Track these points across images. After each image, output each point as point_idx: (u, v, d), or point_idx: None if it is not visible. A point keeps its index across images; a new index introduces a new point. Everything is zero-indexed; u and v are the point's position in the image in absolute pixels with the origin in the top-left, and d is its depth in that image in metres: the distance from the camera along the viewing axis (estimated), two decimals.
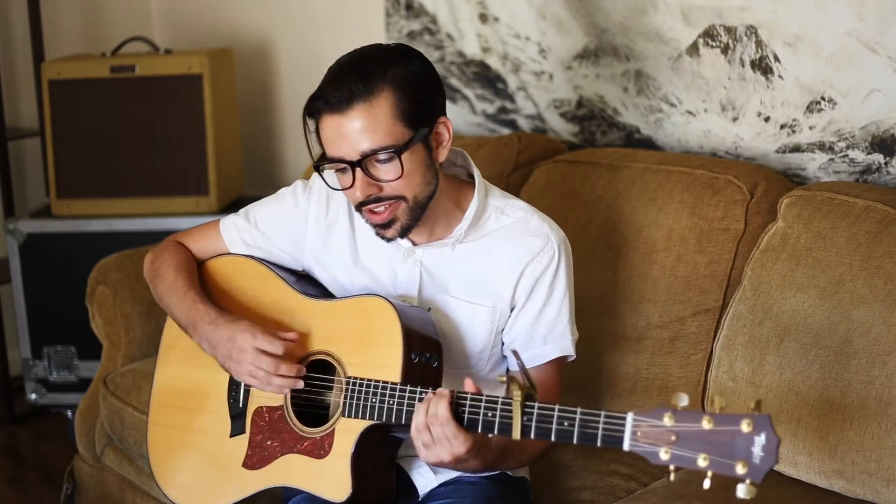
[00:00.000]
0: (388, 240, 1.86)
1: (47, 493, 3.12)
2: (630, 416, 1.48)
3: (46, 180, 3.59)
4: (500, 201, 1.94)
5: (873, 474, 1.88)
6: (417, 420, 1.65)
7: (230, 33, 3.76)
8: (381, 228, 1.84)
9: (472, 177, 1.94)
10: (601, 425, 1.51)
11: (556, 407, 1.55)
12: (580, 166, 2.51)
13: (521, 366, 1.63)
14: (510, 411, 1.58)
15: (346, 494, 1.77)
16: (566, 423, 1.54)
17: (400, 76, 1.75)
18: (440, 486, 1.93)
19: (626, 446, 1.48)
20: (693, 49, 2.51)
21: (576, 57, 2.77)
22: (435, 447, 1.64)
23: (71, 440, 2.96)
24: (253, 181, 3.72)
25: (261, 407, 1.91)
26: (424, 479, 1.93)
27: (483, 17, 2.97)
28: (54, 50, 3.67)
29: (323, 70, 1.82)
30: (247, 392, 1.94)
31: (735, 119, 2.48)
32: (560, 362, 1.93)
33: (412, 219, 1.83)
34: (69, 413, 3.37)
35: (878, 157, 2.25)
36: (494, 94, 3.00)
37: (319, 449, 1.82)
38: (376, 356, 1.79)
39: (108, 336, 2.78)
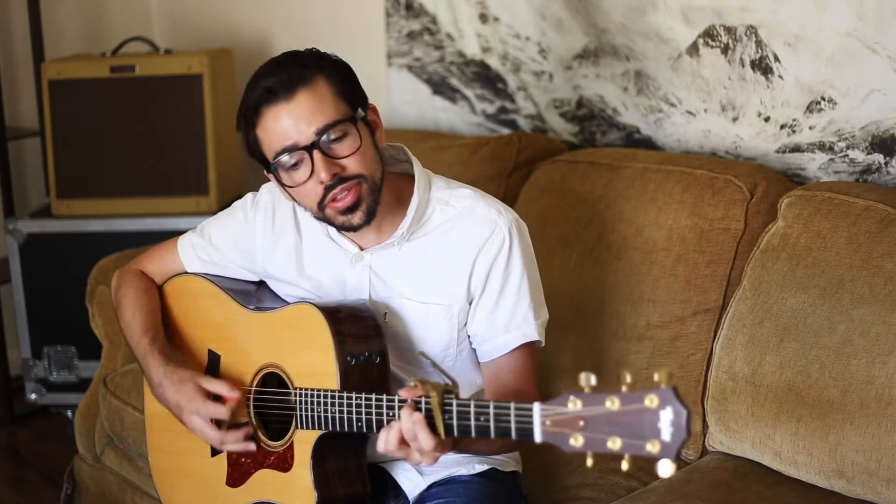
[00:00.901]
0: (356, 228, 1.80)
1: (47, 493, 3.12)
2: (537, 406, 1.42)
3: (46, 180, 3.59)
4: (443, 193, 1.89)
5: (873, 474, 1.88)
6: (389, 440, 1.60)
7: (230, 33, 3.76)
8: (348, 213, 1.77)
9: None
10: (512, 418, 1.47)
11: (472, 402, 1.52)
12: (580, 166, 2.51)
13: (433, 363, 1.61)
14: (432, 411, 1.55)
15: (313, 503, 1.78)
16: (482, 419, 1.50)
17: (328, 64, 1.79)
18: (431, 486, 1.91)
19: (537, 437, 1.43)
20: (693, 49, 2.51)
21: (576, 57, 2.77)
22: (416, 456, 1.60)
23: (71, 440, 2.96)
24: (253, 181, 3.70)
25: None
26: (412, 483, 1.92)
27: (483, 17, 2.97)
28: (54, 50, 3.67)
29: None
30: None
31: (735, 119, 2.48)
32: (530, 348, 1.88)
33: (374, 200, 1.79)
34: (69, 413, 3.37)
35: (878, 157, 2.25)
36: (494, 94, 3.00)
37: (284, 462, 1.83)
38: (314, 365, 1.78)
39: (108, 336, 2.78)
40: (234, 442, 1.85)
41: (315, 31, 3.53)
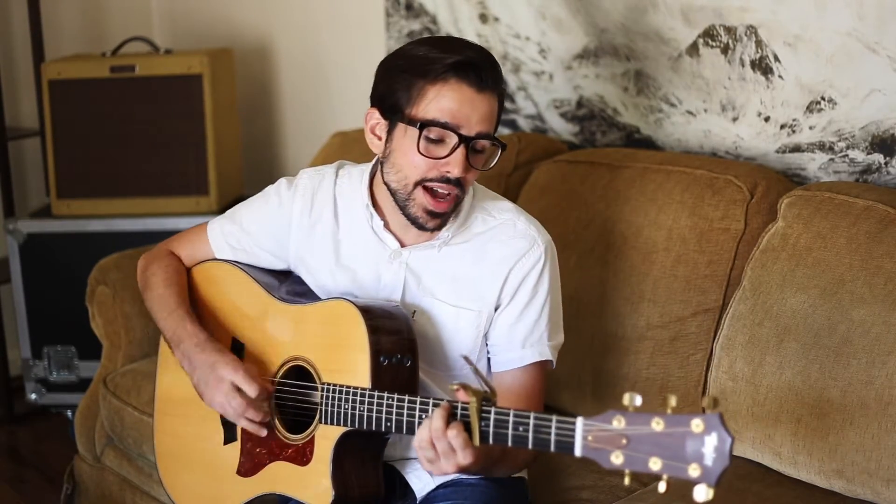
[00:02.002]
0: (428, 229, 1.84)
1: (47, 493, 3.12)
2: (580, 421, 1.43)
3: (46, 180, 3.59)
4: (487, 203, 1.94)
5: (873, 474, 1.88)
6: (421, 437, 1.61)
7: (230, 33, 3.76)
8: (431, 217, 1.82)
9: None
10: (553, 430, 1.47)
11: (511, 411, 1.52)
12: (580, 166, 2.51)
13: (475, 370, 1.61)
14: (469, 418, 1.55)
15: (328, 500, 1.77)
16: (521, 429, 1.51)
17: (503, 87, 1.84)
18: (438, 487, 1.92)
19: (577, 451, 1.43)
20: (693, 49, 2.51)
21: (576, 57, 2.77)
22: (440, 461, 1.61)
23: (71, 440, 2.96)
24: (253, 181, 3.72)
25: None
26: (421, 482, 1.93)
27: (483, 17, 2.97)
28: (54, 50, 3.68)
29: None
30: None
31: (735, 119, 2.48)
32: (542, 367, 1.91)
33: (450, 215, 1.85)
34: (69, 413, 3.37)
35: (878, 157, 2.25)
36: None
37: (302, 456, 1.83)
38: (346, 362, 1.78)
39: (108, 336, 2.78)
40: (254, 417, 1.83)
41: (315, 31, 3.53)
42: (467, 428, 1.57)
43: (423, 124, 1.77)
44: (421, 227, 1.84)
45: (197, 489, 2.02)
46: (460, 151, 1.77)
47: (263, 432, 1.86)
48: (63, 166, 3.30)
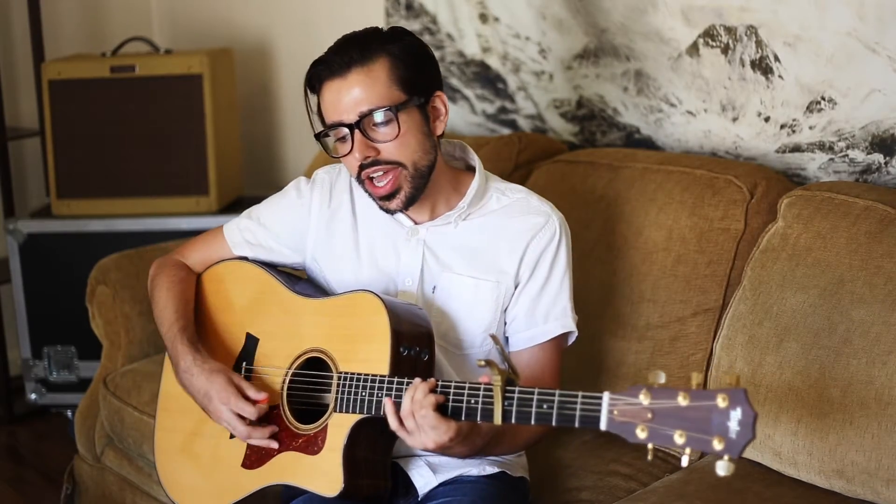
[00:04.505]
0: (392, 212, 1.90)
1: (47, 493, 3.12)
2: (606, 395, 1.48)
3: (46, 180, 3.59)
4: (500, 184, 2.00)
5: (873, 474, 1.88)
6: (403, 406, 1.67)
7: (230, 33, 3.76)
8: (384, 200, 1.88)
9: (470, 168, 2.00)
10: (578, 406, 1.51)
11: (536, 390, 1.56)
12: (580, 166, 2.51)
13: (502, 350, 1.64)
14: (492, 398, 1.59)
15: (337, 489, 1.77)
16: (545, 406, 1.54)
17: (397, 48, 1.86)
18: (440, 485, 1.92)
19: (602, 425, 1.47)
20: (693, 49, 2.51)
21: (576, 57, 2.77)
22: (419, 434, 1.66)
23: (71, 440, 2.96)
24: (253, 181, 3.72)
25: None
26: (423, 479, 1.93)
27: (483, 17, 2.97)
28: (54, 50, 3.68)
29: None
30: None
31: (735, 119, 2.48)
32: (560, 343, 1.95)
33: (415, 188, 1.87)
34: (69, 413, 3.38)
35: (878, 157, 2.25)
36: (494, 94, 3.00)
37: (313, 445, 1.83)
38: (367, 352, 1.80)
39: (108, 336, 2.78)
40: (261, 437, 1.87)
41: (315, 31, 3.53)
42: (471, 414, 1.62)
43: (318, 135, 1.89)
44: (388, 212, 1.90)
45: (195, 483, 2.02)
46: (355, 139, 1.83)
47: (275, 445, 1.87)
48: (63, 166, 3.30)
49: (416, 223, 1.95)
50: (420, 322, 1.84)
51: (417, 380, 1.68)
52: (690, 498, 1.93)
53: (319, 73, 1.85)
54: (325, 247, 2.01)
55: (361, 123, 1.82)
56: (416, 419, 1.65)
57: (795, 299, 2.03)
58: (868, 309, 1.93)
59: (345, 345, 1.84)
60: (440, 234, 1.95)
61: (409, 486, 1.94)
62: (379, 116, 1.82)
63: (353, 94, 1.82)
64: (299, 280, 2.05)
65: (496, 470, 1.94)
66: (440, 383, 1.67)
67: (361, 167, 1.85)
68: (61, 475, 2.95)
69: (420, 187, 1.88)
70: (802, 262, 2.05)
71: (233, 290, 2.06)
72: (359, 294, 1.86)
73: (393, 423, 1.69)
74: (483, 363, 1.60)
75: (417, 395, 1.65)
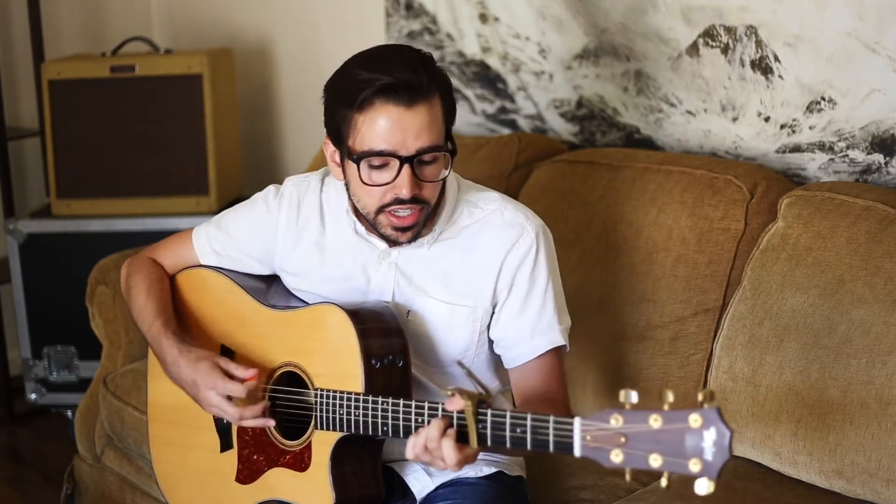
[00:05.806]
0: (401, 243, 1.83)
1: (47, 493, 3.12)
2: (577, 421, 1.42)
3: (46, 180, 3.59)
4: (472, 195, 1.90)
5: (873, 474, 1.88)
6: (416, 441, 1.61)
7: (230, 33, 3.76)
8: (401, 232, 1.79)
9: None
10: (551, 431, 1.47)
11: (508, 412, 1.52)
12: (580, 166, 2.51)
13: (469, 373, 1.61)
14: (465, 422, 1.55)
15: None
16: (518, 430, 1.51)
17: (444, 81, 1.77)
18: (438, 488, 1.92)
19: (576, 452, 1.43)
20: (693, 49, 2.51)
21: (576, 57, 2.77)
22: (436, 463, 1.61)
23: (71, 440, 2.96)
24: (253, 181, 3.72)
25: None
26: (420, 483, 1.92)
27: (483, 17, 2.97)
28: (54, 50, 3.67)
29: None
30: None
31: (735, 119, 2.48)
32: (557, 353, 1.88)
33: (424, 224, 1.81)
34: (69, 413, 3.37)
35: (878, 157, 2.25)
36: (494, 94, 3.00)
37: (300, 462, 1.82)
38: (339, 366, 1.77)
39: (108, 336, 2.79)
40: (253, 416, 1.81)
41: (315, 31, 3.53)
42: (464, 438, 1.57)
43: (359, 157, 1.73)
44: (395, 243, 1.83)
45: (195, 496, 2.03)
46: (405, 173, 1.72)
47: (271, 422, 1.83)
48: (63, 166, 3.30)
49: (389, 245, 1.87)
50: (388, 325, 1.80)
51: (430, 419, 1.61)
52: (690, 498, 1.91)
53: (379, 92, 1.70)
54: (292, 264, 1.96)
55: (415, 159, 1.72)
56: (434, 454, 1.59)
57: (795, 299, 2.03)
58: (868, 309, 1.93)
59: (315, 359, 1.82)
60: (413, 258, 1.87)
61: (406, 489, 1.93)
62: (433, 156, 1.74)
63: (415, 127, 1.70)
64: (270, 288, 2.01)
65: (493, 470, 1.93)
66: (424, 412, 1.62)
67: (398, 202, 1.74)
68: (61, 475, 2.95)
69: (426, 223, 1.82)
70: (802, 262, 2.05)
71: (204, 299, 2.02)
72: (324, 307, 1.82)
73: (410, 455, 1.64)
74: (450, 392, 1.56)
75: (432, 433, 1.57)
